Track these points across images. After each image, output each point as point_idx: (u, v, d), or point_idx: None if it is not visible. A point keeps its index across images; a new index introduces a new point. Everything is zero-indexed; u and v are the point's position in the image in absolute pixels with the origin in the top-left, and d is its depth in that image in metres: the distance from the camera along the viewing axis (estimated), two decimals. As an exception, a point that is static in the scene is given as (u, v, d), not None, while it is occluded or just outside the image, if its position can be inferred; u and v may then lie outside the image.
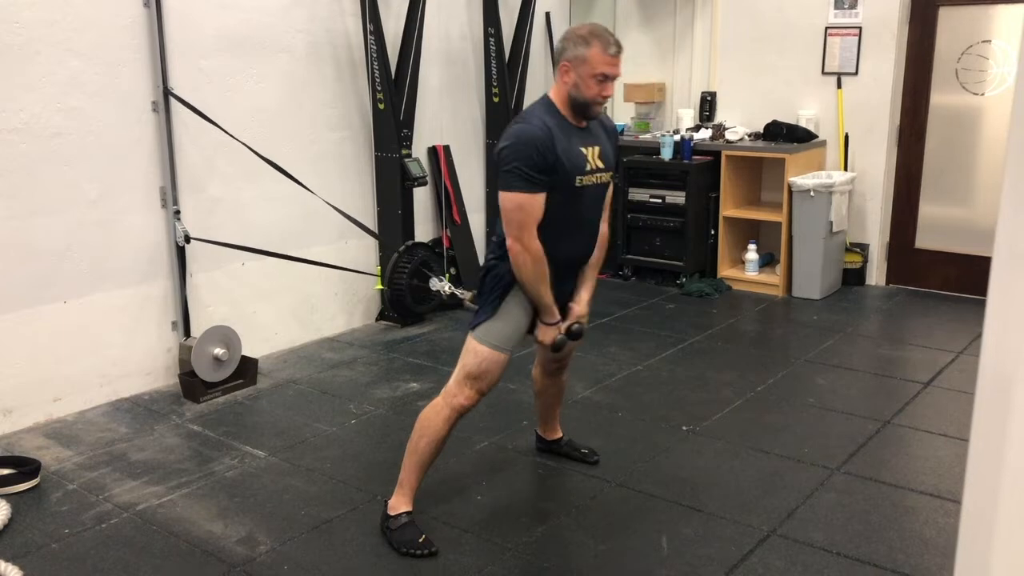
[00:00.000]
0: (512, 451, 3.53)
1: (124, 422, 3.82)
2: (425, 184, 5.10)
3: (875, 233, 5.86)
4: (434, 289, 3.64)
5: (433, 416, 2.83)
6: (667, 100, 6.54)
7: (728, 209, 5.89)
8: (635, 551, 2.81)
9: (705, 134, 5.97)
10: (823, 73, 5.84)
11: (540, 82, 6.04)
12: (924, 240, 5.78)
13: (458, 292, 3.59)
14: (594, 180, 2.82)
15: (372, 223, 5.05)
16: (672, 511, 3.05)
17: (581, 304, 2.95)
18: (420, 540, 2.81)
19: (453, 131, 5.54)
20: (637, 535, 2.90)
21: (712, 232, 5.94)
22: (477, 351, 2.80)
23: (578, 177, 2.75)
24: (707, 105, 6.28)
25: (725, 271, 5.98)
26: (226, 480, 3.29)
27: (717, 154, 5.81)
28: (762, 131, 5.90)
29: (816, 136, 5.83)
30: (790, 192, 5.54)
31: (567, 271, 2.89)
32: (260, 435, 3.69)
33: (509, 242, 2.72)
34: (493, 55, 5.53)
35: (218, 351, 4.07)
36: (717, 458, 3.45)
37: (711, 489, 3.20)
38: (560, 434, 3.46)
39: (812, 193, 5.45)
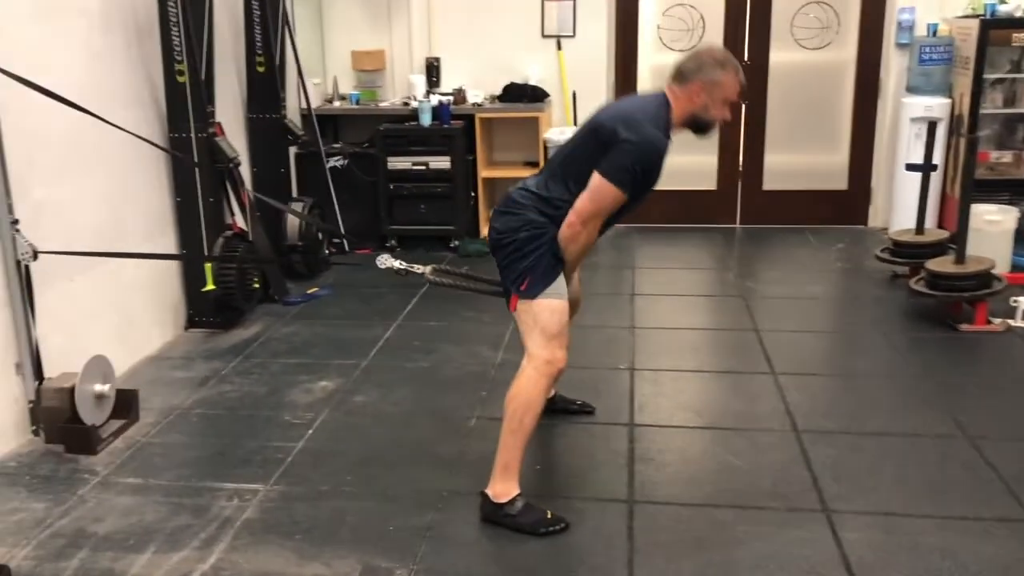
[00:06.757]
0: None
1: (19, 498, 2.91)
2: (239, 165, 4.50)
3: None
4: (383, 267, 3.29)
5: (531, 389, 2.72)
6: (388, 68, 6.48)
7: (485, 170, 6.10)
8: (749, 473, 3.02)
9: (441, 99, 6.03)
10: (543, 36, 6.30)
11: (302, 47, 5.63)
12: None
13: (416, 268, 3.31)
14: None
15: (170, 218, 4.35)
16: (721, 435, 3.31)
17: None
18: (549, 516, 2.71)
19: (220, 107, 4.90)
20: (724, 460, 3.11)
21: (472, 194, 6.10)
22: (552, 308, 2.74)
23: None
24: (434, 71, 6.36)
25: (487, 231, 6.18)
26: (252, 523, 2.75)
27: (469, 117, 5.97)
28: (500, 93, 6.18)
29: (548, 95, 6.28)
30: (546, 148, 5.93)
31: None
32: (228, 468, 3.10)
33: (576, 219, 2.70)
34: (257, 20, 5.01)
35: (100, 388, 3.28)
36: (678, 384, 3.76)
37: (713, 406, 3.52)
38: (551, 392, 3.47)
39: (569, 147, 5.89)
